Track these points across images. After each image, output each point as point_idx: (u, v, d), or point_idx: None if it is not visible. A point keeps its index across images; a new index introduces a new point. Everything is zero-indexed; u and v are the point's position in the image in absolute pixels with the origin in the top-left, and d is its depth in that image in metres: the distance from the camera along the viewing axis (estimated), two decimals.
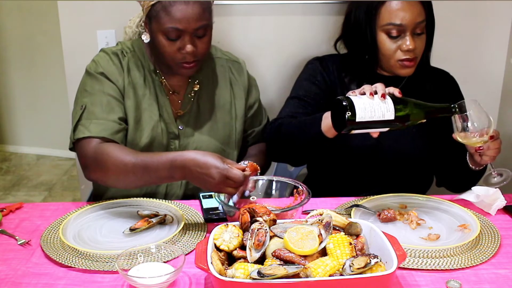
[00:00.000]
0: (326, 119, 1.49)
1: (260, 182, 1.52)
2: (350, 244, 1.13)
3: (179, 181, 1.66)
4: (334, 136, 1.51)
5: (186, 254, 1.29)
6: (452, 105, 1.39)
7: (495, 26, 2.16)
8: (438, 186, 1.85)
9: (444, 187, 1.82)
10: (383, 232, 1.19)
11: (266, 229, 1.14)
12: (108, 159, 1.44)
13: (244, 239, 1.16)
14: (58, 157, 4.30)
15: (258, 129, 1.81)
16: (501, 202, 1.51)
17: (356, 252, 1.14)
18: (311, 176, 1.91)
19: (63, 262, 1.26)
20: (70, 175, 4.02)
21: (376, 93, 1.35)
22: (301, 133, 1.59)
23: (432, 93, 1.71)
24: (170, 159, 1.37)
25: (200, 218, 1.49)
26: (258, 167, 1.41)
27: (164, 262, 1.24)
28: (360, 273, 1.06)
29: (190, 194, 1.68)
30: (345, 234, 1.17)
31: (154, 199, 1.58)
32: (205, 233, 1.41)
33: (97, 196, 1.71)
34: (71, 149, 1.58)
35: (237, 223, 1.21)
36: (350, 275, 1.05)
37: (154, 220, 1.43)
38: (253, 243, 1.12)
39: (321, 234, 1.13)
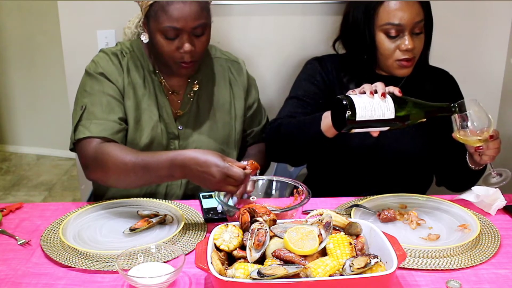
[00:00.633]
0: (326, 119, 1.49)
1: (260, 182, 1.52)
2: (350, 244, 1.13)
3: (179, 181, 1.66)
4: (333, 136, 1.51)
5: (186, 254, 1.29)
6: (452, 105, 1.39)
7: (495, 26, 2.16)
8: (438, 185, 1.85)
9: (444, 187, 1.82)
10: (383, 232, 1.19)
11: (266, 229, 1.14)
12: (109, 158, 1.44)
13: (244, 239, 1.16)
14: (58, 157, 4.30)
15: (257, 129, 1.81)
16: (501, 202, 1.51)
17: (356, 252, 1.14)
18: (311, 176, 1.91)
19: (63, 262, 1.26)
20: (70, 175, 4.02)
21: (376, 92, 1.35)
22: (301, 133, 1.59)
23: (431, 92, 1.71)
24: (170, 158, 1.37)
25: (200, 218, 1.49)
26: (259, 166, 1.41)
27: (164, 262, 1.24)
28: (360, 273, 1.06)
29: (190, 194, 1.68)
30: (345, 234, 1.17)
31: (154, 199, 1.58)
32: (205, 233, 1.41)
33: (97, 196, 1.71)
34: (71, 149, 1.58)
35: (237, 223, 1.21)
36: (350, 275, 1.05)
37: (154, 220, 1.43)
38: (253, 243, 1.12)
39: (321, 234, 1.13)
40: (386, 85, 1.39)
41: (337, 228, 1.21)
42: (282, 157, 1.76)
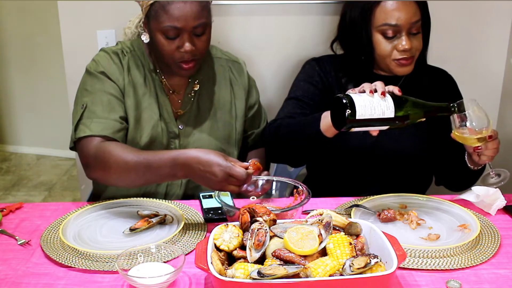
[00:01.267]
0: (325, 119, 1.49)
1: (260, 182, 1.52)
2: (350, 244, 1.13)
3: (179, 181, 1.66)
4: (333, 136, 1.51)
5: (186, 254, 1.29)
6: (451, 104, 1.39)
7: (495, 26, 2.17)
8: (437, 185, 1.85)
9: (443, 186, 1.82)
10: (383, 232, 1.19)
11: (266, 229, 1.14)
12: (110, 157, 1.44)
13: (244, 239, 1.16)
14: (58, 157, 4.30)
15: (257, 131, 1.80)
16: (501, 202, 1.51)
17: (356, 252, 1.14)
18: (311, 176, 1.91)
19: (63, 262, 1.26)
20: (70, 175, 4.02)
21: (376, 91, 1.35)
22: (300, 133, 1.59)
23: (430, 92, 1.71)
24: (173, 157, 1.37)
25: (200, 218, 1.49)
26: (261, 167, 1.41)
27: (164, 262, 1.24)
28: (360, 273, 1.06)
29: (190, 194, 1.68)
30: (345, 234, 1.17)
31: (154, 199, 1.58)
32: (205, 233, 1.41)
33: (97, 196, 1.71)
34: (71, 148, 1.58)
35: (237, 223, 1.21)
36: (350, 275, 1.05)
37: (154, 220, 1.43)
38: (253, 243, 1.12)
39: (321, 234, 1.13)
40: (386, 84, 1.39)
41: (337, 228, 1.21)
42: (281, 157, 1.76)
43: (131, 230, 1.39)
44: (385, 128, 1.37)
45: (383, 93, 1.34)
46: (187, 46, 1.51)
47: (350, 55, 1.73)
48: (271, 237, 1.14)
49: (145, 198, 1.58)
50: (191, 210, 1.53)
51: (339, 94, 1.35)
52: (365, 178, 1.74)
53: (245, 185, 1.37)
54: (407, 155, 1.72)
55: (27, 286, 1.20)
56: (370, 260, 1.07)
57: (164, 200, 1.57)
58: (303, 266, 1.05)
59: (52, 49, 3.74)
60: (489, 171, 1.52)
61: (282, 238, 1.13)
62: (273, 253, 1.10)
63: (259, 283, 1.02)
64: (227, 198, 1.43)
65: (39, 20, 4.01)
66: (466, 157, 1.59)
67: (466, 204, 1.53)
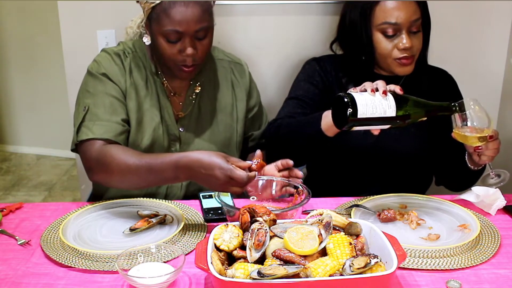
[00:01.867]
0: (326, 118, 1.49)
1: (260, 182, 1.52)
2: (350, 244, 1.13)
3: (180, 183, 1.66)
4: (334, 135, 1.51)
5: (186, 254, 1.29)
6: (452, 104, 1.39)
7: (495, 26, 2.17)
8: (437, 184, 1.85)
9: (443, 186, 1.82)
10: (383, 232, 1.19)
11: (266, 229, 1.14)
12: (112, 161, 1.44)
13: (244, 239, 1.16)
14: (58, 157, 4.30)
15: (257, 133, 1.80)
16: (501, 202, 1.51)
17: (356, 252, 1.14)
18: (311, 176, 1.91)
19: (63, 262, 1.26)
20: (70, 175, 4.02)
21: (377, 90, 1.35)
22: (301, 132, 1.59)
23: (430, 92, 1.71)
24: (175, 160, 1.37)
25: (200, 218, 1.49)
26: (265, 164, 1.40)
27: (164, 262, 1.24)
28: (360, 273, 1.06)
29: (190, 196, 1.67)
30: (345, 234, 1.17)
31: (154, 199, 1.58)
32: (205, 233, 1.41)
33: (97, 196, 1.71)
34: (73, 150, 1.58)
35: (237, 223, 1.21)
36: (350, 275, 1.05)
37: (154, 220, 1.43)
38: (253, 243, 1.12)
39: (321, 234, 1.13)
40: (386, 84, 1.39)
41: (337, 228, 1.21)
42: (282, 157, 1.75)
43: (131, 230, 1.39)
44: (386, 127, 1.37)
45: (384, 92, 1.34)
46: (189, 50, 1.50)
47: (351, 55, 1.73)
48: (271, 237, 1.14)
49: (145, 198, 1.58)
50: (191, 210, 1.53)
51: (341, 93, 1.35)
52: (365, 178, 1.74)
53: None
54: (407, 155, 1.72)
55: (27, 286, 1.20)
56: (370, 260, 1.06)
57: (164, 200, 1.57)
58: (303, 266, 1.05)
59: (52, 49, 3.74)
60: (489, 171, 1.52)
61: (282, 238, 1.13)
62: (273, 253, 1.10)
63: (259, 283, 1.02)
64: (227, 198, 1.43)
65: (39, 20, 4.01)
66: (466, 157, 1.59)
67: (466, 204, 1.53)
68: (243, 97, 1.74)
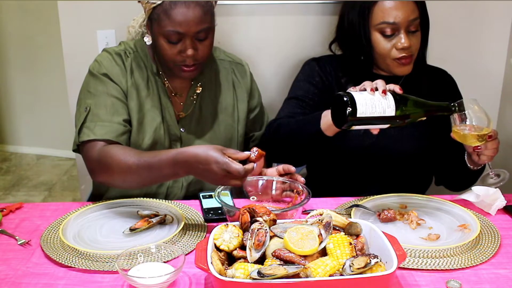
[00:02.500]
0: (325, 117, 1.49)
1: (260, 182, 1.52)
2: (350, 244, 1.13)
3: (180, 183, 1.66)
4: (333, 134, 1.51)
5: (186, 254, 1.29)
6: (451, 104, 1.39)
7: (495, 26, 2.17)
8: (437, 184, 1.85)
9: (443, 186, 1.82)
10: (383, 232, 1.19)
11: (266, 229, 1.14)
12: (112, 162, 1.44)
13: (244, 239, 1.16)
14: (58, 157, 4.30)
15: (258, 134, 1.80)
16: (501, 202, 1.51)
17: (356, 252, 1.14)
18: (311, 176, 1.91)
19: (63, 262, 1.26)
20: (70, 175, 4.02)
21: (377, 89, 1.35)
22: (301, 132, 1.59)
23: (430, 91, 1.71)
24: (172, 157, 1.37)
25: (200, 218, 1.49)
26: (263, 152, 1.37)
27: (164, 262, 1.24)
28: (360, 273, 1.06)
29: (191, 196, 1.67)
30: (345, 234, 1.17)
31: (154, 199, 1.58)
32: (205, 233, 1.41)
33: (97, 196, 1.71)
34: (74, 150, 1.58)
35: (237, 223, 1.21)
36: (350, 275, 1.05)
37: (154, 220, 1.43)
38: (253, 243, 1.12)
39: (321, 234, 1.13)
40: (386, 83, 1.39)
41: (337, 228, 1.21)
42: (282, 157, 1.76)
43: (131, 230, 1.39)
44: (386, 126, 1.37)
45: (384, 91, 1.34)
46: (189, 51, 1.49)
47: (350, 55, 1.73)
48: (271, 237, 1.14)
49: (145, 198, 1.58)
50: (191, 210, 1.53)
51: (340, 92, 1.35)
52: (365, 178, 1.74)
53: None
54: (407, 155, 1.72)
55: (27, 286, 1.20)
56: (370, 260, 1.06)
57: (164, 200, 1.57)
58: (303, 266, 1.05)
59: (52, 49, 3.74)
60: (488, 171, 1.52)
61: (282, 238, 1.13)
62: (273, 253, 1.10)
63: (259, 283, 1.02)
64: (227, 198, 1.43)
65: (39, 20, 4.01)
66: (466, 157, 1.59)
67: (466, 204, 1.53)
68: (244, 97, 1.74)
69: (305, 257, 1.09)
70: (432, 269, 1.24)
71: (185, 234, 1.40)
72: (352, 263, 1.06)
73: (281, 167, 1.56)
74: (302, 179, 1.52)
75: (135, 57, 1.62)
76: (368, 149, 1.70)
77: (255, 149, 1.34)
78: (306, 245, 1.10)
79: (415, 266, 1.24)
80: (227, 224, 1.18)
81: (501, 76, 2.23)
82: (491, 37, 2.18)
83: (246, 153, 1.34)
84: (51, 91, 4.13)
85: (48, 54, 4.03)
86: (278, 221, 1.20)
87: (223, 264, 1.11)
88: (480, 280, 1.21)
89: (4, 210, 1.52)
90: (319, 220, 1.16)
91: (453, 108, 1.39)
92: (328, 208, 1.35)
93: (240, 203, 1.43)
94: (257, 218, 1.18)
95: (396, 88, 1.36)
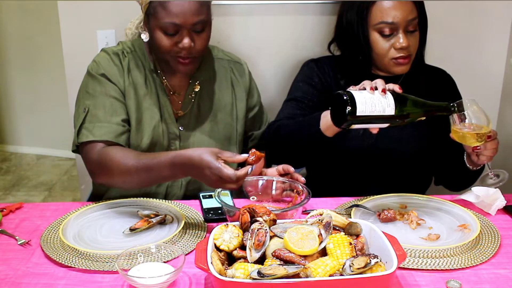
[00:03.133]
0: (325, 118, 1.49)
1: (260, 182, 1.52)
2: (350, 244, 1.13)
3: (179, 183, 1.66)
4: (333, 135, 1.51)
5: (186, 254, 1.29)
6: (451, 104, 1.39)
7: (495, 26, 2.17)
8: (436, 184, 1.85)
9: (442, 186, 1.82)
10: (383, 232, 1.19)
11: (266, 229, 1.14)
12: (112, 164, 1.45)
13: (244, 239, 1.16)
14: (58, 157, 4.30)
15: (257, 133, 1.80)
16: (501, 202, 1.51)
17: (356, 252, 1.14)
18: (311, 176, 1.91)
19: (63, 262, 1.26)
20: (70, 175, 4.02)
21: (376, 88, 1.35)
22: (300, 133, 1.59)
23: (429, 91, 1.71)
24: (170, 159, 1.38)
25: (200, 218, 1.49)
26: (263, 154, 1.36)
27: (164, 262, 1.24)
28: (360, 273, 1.06)
29: (190, 195, 1.67)
30: (345, 234, 1.17)
31: (154, 199, 1.58)
32: (205, 233, 1.41)
33: (97, 196, 1.71)
34: (74, 151, 1.59)
35: (237, 223, 1.21)
36: (350, 275, 1.05)
37: (154, 220, 1.43)
38: (253, 243, 1.12)
39: (321, 234, 1.13)
40: (385, 83, 1.39)
41: (337, 228, 1.21)
42: (282, 158, 1.75)
43: (131, 230, 1.39)
44: (385, 125, 1.37)
45: (383, 90, 1.34)
46: (186, 42, 1.50)
47: (348, 56, 1.73)
48: (271, 237, 1.14)
49: (145, 198, 1.58)
50: (191, 210, 1.53)
51: (340, 91, 1.35)
52: (365, 178, 1.74)
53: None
54: (407, 156, 1.72)
55: (27, 286, 1.20)
56: (370, 260, 1.06)
57: (164, 200, 1.57)
58: (303, 266, 1.05)
59: (52, 49, 3.74)
60: (488, 171, 1.52)
61: (282, 238, 1.13)
62: (273, 253, 1.10)
63: (259, 283, 1.02)
64: (227, 198, 1.43)
65: (39, 20, 4.01)
66: (465, 157, 1.59)
67: (466, 204, 1.53)
68: (243, 96, 1.74)
69: (305, 257, 1.09)
70: (432, 269, 1.24)
71: (185, 234, 1.40)
72: (352, 263, 1.06)
73: (281, 167, 1.57)
74: (303, 179, 1.52)
75: (133, 57, 1.63)
76: (368, 150, 1.70)
77: (253, 151, 1.34)
78: (306, 245, 1.10)
79: (415, 266, 1.24)
80: (227, 224, 1.18)
81: (501, 76, 2.23)
82: (491, 37, 2.18)
83: (244, 156, 1.33)
84: (51, 91, 4.13)
85: (48, 54, 4.03)
86: (278, 221, 1.20)
87: (223, 264, 1.11)
88: (480, 280, 1.21)
89: (4, 210, 1.52)
90: (319, 220, 1.16)
91: (453, 108, 1.39)
92: (328, 208, 1.35)
93: (240, 203, 1.43)
94: (257, 218, 1.18)
95: (396, 87, 1.36)
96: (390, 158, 1.71)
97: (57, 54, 2.53)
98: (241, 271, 1.06)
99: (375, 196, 1.56)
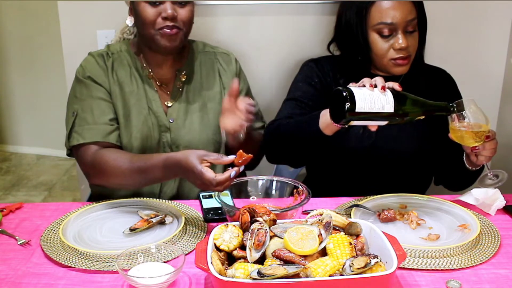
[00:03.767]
0: (324, 116, 1.49)
1: (260, 182, 1.52)
2: (350, 244, 1.13)
3: (173, 180, 1.68)
4: (332, 133, 1.51)
5: (186, 254, 1.29)
6: (450, 104, 1.39)
7: (495, 26, 2.16)
8: (436, 184, 1.85)
9: (442, 185, 1.82)
10: (383, 232, 1.19)
11: (266, 229, 1.14)
12: (106, 166, 1.50)
13: (244, 239, 1.16)
14: (58, 157, 4.30)
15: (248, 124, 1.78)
16: (501, 202, 1.51)
17: (356, 252, 1.14)
18: (311, 176, 1.91)
19: (63, 262, 1.26)
20: (70, 175, 4.02)
21: (375, 86, 1.35)
22: (300, 132, 1.59)
23: (429, 91, 1.71)
24: (162, 161, 1.42)
25: (200, 218, 1.49)
26: (250, 156, 1.32)
27: (164, 262, 1.24)
28: (360, 273, 1.06)
29: (184, 193, 1.70)
30: (345, 234, 1.17)
31: (154, 199, 1.58)
32: (205, 233, 1.41)
33: (95, 196, 1.71)
34: (68, 155, 1.64)
35: (237, 223, 1.21)
36: (350, 275, 1.05)
37: (154, 220, 1.43)
38: (253, 243, 1.12)
39: (321, 234, 1.13)
40: (385, 81, 1.39)
41: (337, 228, 1.21)
42: (282, 158, 1.76)
43: (131, 230, 1.39)
44: (384, 123, 1.36)
45: (383, 88, 1.34)
46: (169, 9, 1.54)
47: (347, 56, 1.73)
48: (271, 237, 1.14)
49: (145, 198, 1.58)
50: (191, 210, 1.53)
51: (339, 87, 1.35)
52: (365, 178, 1.74)
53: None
54: (406, 156, 1.72)
55: (27, 286, 1.20)
56: (370, 260, 1.06)
57: (164, 200, 1.58)
58: (303, 266, 1.05)
59: (52, 49, 3.74)
60: (487, 172, 1.52)
61: (282, 238, 1.13)
62: (273, 253, 1.10)
63: (259, 283, 1.02)
64: (227, 198, 1.43)
65: (39, 20, 4.01)
66: (464, 157, 1.59)
67: (466, 204, 1.53)
68: (230, 84, 1.74)
69: (305, 257, 1.09)
70: (432, 269, 1.24)
71: (185, 234, 1.40)
72: (352, 263, 1.06)
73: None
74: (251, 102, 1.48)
75: (118, 56, 1.67)
76: (367, 150, 1.70)
77: (240, 152, 1.32)
78: (306, 245, 1.10)
79: (415, 266, 1.24)
80: (227, 224, 1.18)
81: (501, 76, 2.23)
82: (491, 37, 2.18)
83: (230, 157, 1.32)
84: (51, 91, 4.13)
85: (48, 54, 4.03)
86: (278, 221, 1.20)
87: (223, 264, 1.11)
88: (480, 280, 1.21)
89: (4, 210, 1.52)
90: (319, 220, 1.16)
91: (452, 108, 1.39)
92: (328, 208, 1.35)
93: (240, 203, 1.43)
94: (257, 218, 1.18)
95: (395, 85, 1.36)
96: (390, 158, 1.71)
97: (57, 54, 2.53)
98: (241, 271, 1.06)
99: (375, 196, 1.56)
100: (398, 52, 1.61)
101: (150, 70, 1.67)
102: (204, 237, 1.38)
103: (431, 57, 1.80)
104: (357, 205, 1.49)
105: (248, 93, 1.81)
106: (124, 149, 1.61)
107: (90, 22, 2.08)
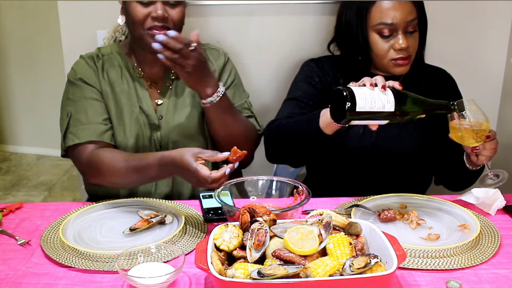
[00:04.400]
0: (324, 115, 1.49)
1: (260, 182, 1.52)
2: (350, 244, 1.13)
3: (167, 179, 1.69)
4: (332, 133, 1.50)
5: (186, 254, 1.29)
6: (451, 103, 1.39)
7: (495, 26, 2.16)
8: (436, 184, 1.85)
9: (442, 185, 1.82)
10: (383, 232, 1.19)
11: (266, 229, 1.14)
12: (102, 166, 1.52)
13: (244, 239, 1.16)
14: (58, 157, 4.24)
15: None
16: (501, 202, 1.51)
17: (356, 252, 1.14)
18: (311, 176, 1.91)
19: (63, 262, 1.26)
20: (70, 175, 4.02)
21: (376, 85, 1.35)
22: (300, 131, 1.59)
23: (429, 91, 1.70)
24: (157, 160, 1.43)
25: (200, 218, 1.49)
26: (244, 152, 1.33)
27: (164, 262, 1.24)
28: (360, 273, 1.06)
29: (178, 192, 1.71)
30: (345, 234, 1.17)
31: (154, 199, 1.58)
32: (205, 233, 1.41)
33: (95, 196, 1.71)
34: (63, 156, 1.66)
35: (237, 223, 1.21)
36: (350, 275, 1.05)
37: (154, 220, 1.43)
38: (253, 243, 1.12)
39: (321, 234, 1.13)
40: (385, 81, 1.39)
41: (337, 228, 1.21)
42: (282, 157, 1.76)
43: (131, 230, 1.39)
44: (385, 122, 1.36)
45: (383, 87, 1.34)
46: (159, 12, 1.54)
47: (347, 56, 1.73)
48: (271, 237, 1.14)
49: (145, 198, 1.59)
50: (191, 210, 1.53)
51: (340, 87, 1.34)
52: (365, 178, 1.74)
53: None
54: (407, 156, 1.72)
55: (27, 286, 1.20)
56: (370, 260, 1.06)
57: (164, 200, 1.58)
58: (303, 266, 1.05)
59: (52, 49, 3.74)
60: (487, 171, 1.52)
61: (282, 238, 1.13)
62: (273, 253, 1.10)
63: (259, 283, 1.02)
64: (227, 198, 1.43)
65: (39, 20, 4.01)
66: (464, 157, 1.59)
67: (466, 204, 1.53)
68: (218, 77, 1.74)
69: (305, 257, 1.09)
70: (432, 269, 1.24)
71: (185, 234, 1.40)
72: (352, 263, 1.06)
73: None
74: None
75: (108, 58, 1.69)
76: (367, 149, 1.70)
77: (234, 149, 1.33)
78: (306, 245, 1.10)
79: (415, 266, 1.24)
80: (227, 224, 1.18)
81: (501, 76, 2.23)
82: (491, 37, 2.18)
83: (225, 154, 1.33)
84: (51, 91, 4.13)
85: (48, 54, 4.03)
86: (278, 221, 1.20)
87: (223, 264, 1.11)
88: (480, 280, 1.21)
89: (4, 210, 1.52)
90: (319, 220, 1.16)
91: (452, 107, 1.39)
92: (328, 208, 1.35)
93: (240, 203, 1.43)
94: (257, 218, 1.18)
95: (396, 84, 1.36)
96: (390, 157, 1.71)
97: (57, 54, 2.53)
98: (241, 271, 1.06)
99: (375, 196, 1.56)
100: (398, 52, 1.61)
101: (140, 69, 1.69)
102: (204, 237, 1.38)
103: (431, 57, 1.80)
104: (357, 205, 1.49)
105: (237, 88, 1.79)
106: (118, 148, 1.63)
107: (90, 22, 2.08)
